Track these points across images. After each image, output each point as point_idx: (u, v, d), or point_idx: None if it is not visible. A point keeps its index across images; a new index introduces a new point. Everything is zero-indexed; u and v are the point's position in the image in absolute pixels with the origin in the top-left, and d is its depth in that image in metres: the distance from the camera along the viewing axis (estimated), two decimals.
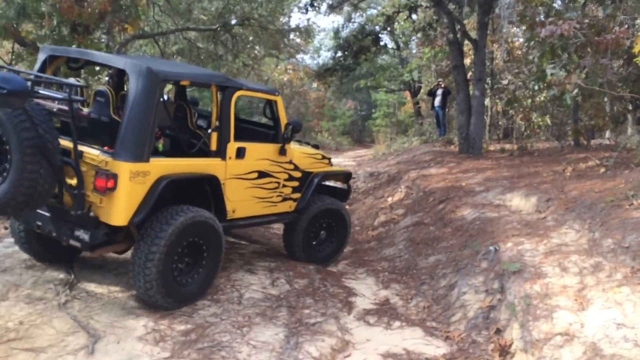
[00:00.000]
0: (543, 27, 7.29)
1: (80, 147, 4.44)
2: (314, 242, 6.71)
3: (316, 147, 7.16)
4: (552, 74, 7.21)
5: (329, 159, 6.98)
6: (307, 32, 23.66)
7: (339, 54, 14.48)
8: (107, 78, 6.17)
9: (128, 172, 4.36)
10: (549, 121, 16.62)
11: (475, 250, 5.99)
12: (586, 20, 7.09)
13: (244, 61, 15.13)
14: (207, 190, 5.22)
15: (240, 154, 5.38)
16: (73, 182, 4.42)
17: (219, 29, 12.97)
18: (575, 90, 7.02)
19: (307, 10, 12.68)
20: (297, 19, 28.13)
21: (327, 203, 6.65)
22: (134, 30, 9.61)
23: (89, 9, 8.71)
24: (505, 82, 9.45)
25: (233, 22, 13.23)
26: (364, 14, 16.83)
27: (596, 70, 6.67)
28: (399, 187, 10.84)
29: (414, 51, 21.44)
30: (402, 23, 16.19)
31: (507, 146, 15.61)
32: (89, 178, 4.42)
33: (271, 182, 5.88)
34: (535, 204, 6.99)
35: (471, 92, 12.81)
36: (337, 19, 64.82)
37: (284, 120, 5.94)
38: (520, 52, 12.55)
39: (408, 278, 6.41)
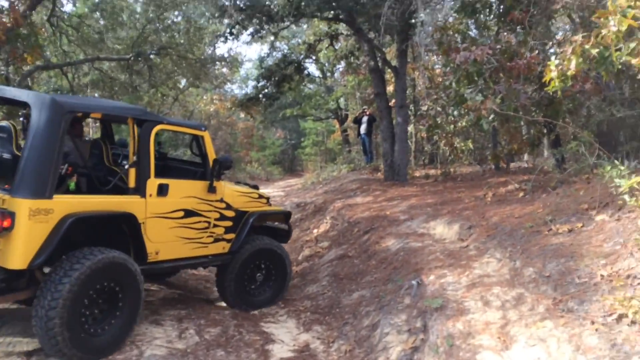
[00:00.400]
0: (457, 53, 7.26)
1: None
2: (249, 286, 6.29)
3: (255, 187, 6.84)
4: (470, 99, 7.16)
5: (267, 198, 6.68)
6: (232, 62, 23.34)
7: (262, 83, 14.17)
8: (21, 118, 5.57)
9: (27, 210, 4.03)
10: (471, 145, 16.99)
11: (399, 284, 5.70)
12: (498, 46, 7.11)
13: (162, 92, 14.49)
14: (125, 231, 4.88)
15: (162, 191, 5.07)
16: None
17: (132, 59, 12.37)
18: (492, 116, 6.99)
19: (226, 38, 12.31)
20: (224, 49, 27.68)
21: (260, 243, 6.28)
22: (33, 60, 8.87)
23: None
24: (425, 108, 9.41)
25: (149, 51, 12.64)
26: (288, 43, 16.70)
27: (510, 95, 6.67)
28: (325, 218, 10.54)
29: (340, 79, 21.53)
30: (324, 51, 16.14)
31: (432, 172, 15.74)
32: None
33: (200, 222, 5.54)
34: (457, 231, 6.84)
35: (394, 119, 12.79)
36: (263, 48, 64.63)
37: (212, 156, 5.64)
38: (441, 79, 12.70)
39: (331, 318, 6.02)
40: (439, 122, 8.37)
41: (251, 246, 6.15)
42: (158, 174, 5.13)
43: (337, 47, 15.13)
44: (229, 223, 5.91)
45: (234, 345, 5.08)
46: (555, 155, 7.54)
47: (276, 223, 7.05)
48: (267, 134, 39.13)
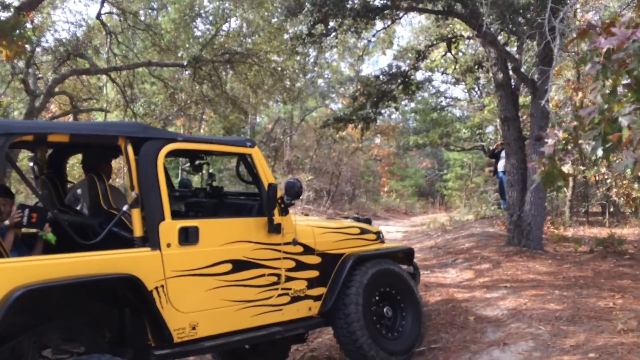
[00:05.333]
0: (609, 34, 3.50)
1: None
2: (382, 328, 4.51)
3: (367, 221, 5.36)
4: (632, 123, 3.40)
5: (377, 232, 5.07)
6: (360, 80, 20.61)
7: (359, 101, 11.08)
8: (30, 163, 4.38)
9: None
10: None
11: None
12: None
13: (240, 105, 11.97)
14: (134, 304, 3.42)
15: (188, 238, 3.56)
16: None
17: (187, 65, 10.12)
18: None
19: (304, 41, 9.53)
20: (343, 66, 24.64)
21: (373, 265, 4.58)
22: (12, 55, 6.87)
23: None
24: (550, 141, 5.42)
25: (211, 57, 10.29)
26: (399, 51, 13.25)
27: None
28: None
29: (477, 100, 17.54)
30: (438, 59, 12.50)
31: (592, 231, 11.26)
32: None
33: (262, 276, 3.96)
34: None
35: (528, 156, 8.90)
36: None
37: (268, 180, 4.07)
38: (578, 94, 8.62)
39: None
40: (563, 166, 4.48)
41: (363, 276, 4.48)
42: (182, 214, 4.10)
43: (457, 56, 11.43)
44: (312, 273, 4.33)
45: None
46: None
47: None
48: (411, 162, 35.57)
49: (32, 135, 3.27)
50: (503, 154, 12.94)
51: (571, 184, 13.34)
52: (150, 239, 3.45)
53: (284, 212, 4.12)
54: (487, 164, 21.17)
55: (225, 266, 3.75)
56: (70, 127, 3.53)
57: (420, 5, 8.73)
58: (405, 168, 34.99)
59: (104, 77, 11.93)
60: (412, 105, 18.45)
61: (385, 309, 4.60)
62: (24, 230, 3.71)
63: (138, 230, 3.45)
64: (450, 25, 10.46)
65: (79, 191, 4.29)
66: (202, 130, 17.11)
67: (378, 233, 5.07)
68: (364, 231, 4.92)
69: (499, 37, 9.40)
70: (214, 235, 3.74)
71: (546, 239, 9.16)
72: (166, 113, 14.34)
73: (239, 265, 3.82)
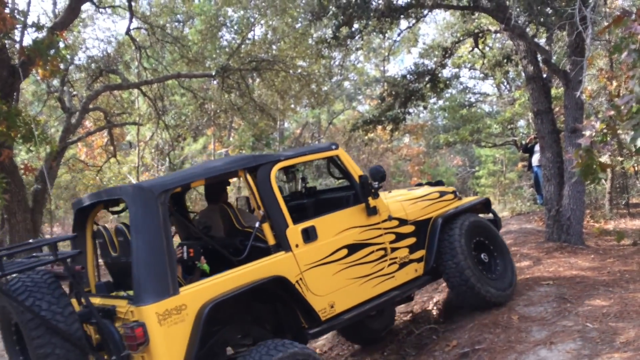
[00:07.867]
0: None
1: (112, 301, 3.79)
2: (483, 271, 5.31)
3: (439, 183, 6.09)
4: None
5: (454, 192, 5.78)
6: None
7: (387, 102, 11.01)
8: None
9: (154, 316, 3.46)
10: None
11: None
12: None
13: (269, 112, 12.05)
14: (284, 298, 4.25)
15: (310, 236, 4.38)
16: None
17: (215, 74, 10.25)
18: None
19: (329, 44, 9.53)
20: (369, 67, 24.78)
21: (465, 220, 5.32)
22: (48, 74, 7.07)
23: None
24: (587, 132, 5.14)
25: (238, 66, 10.38)
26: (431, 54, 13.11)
27: None
28: (432, 300, 6.96)
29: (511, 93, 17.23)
30: (465, 55, 12.33)
31: (635, 223, 10.95)
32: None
33: (372, 252, 4.76)
34: None
35: (563, 149, 8.69)
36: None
37: (357, 173, 4.86)
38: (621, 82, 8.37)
39: None
40: (600, 156, 4.25)
41: (459, 229, 5.24)
42: (299, 217, 4.52)
43: (484, 51, 11.27)
44: (411, 240, 5.13)
45: None
46: None
47: None
48: (442, 161, 35.19)
49: (181, 187, 4.01)
50: (537, 147, 12.70)
51: (610, 175, 13.00)
52: (282, 244, 4.21)
53: (375, 195, 4.82)
54: (520, 159, 20.81)
55: (342, 251, 4.53)
56: (205, 174, 4.18)
57: (445, 2, 8.65)
58: (436, 167, 34.58)
59: (135, 91, 12.21)
60: (440, 103, 18.28)
61: (482, 255, 5.39)
62: None
63: (271, 240, 4.20)
64: (477, 20, 10.32)
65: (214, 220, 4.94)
66: (231, 139, 17.36)
67: (454, 192, 5.74)
68: (442, 194, 5.61)
69: (527, 29, 9.24)
70: (328, 228, 4.49)
71: (587, 233, 8.95)
72: (196, 123, 14.53)
73: (352, 248, 4.58)
